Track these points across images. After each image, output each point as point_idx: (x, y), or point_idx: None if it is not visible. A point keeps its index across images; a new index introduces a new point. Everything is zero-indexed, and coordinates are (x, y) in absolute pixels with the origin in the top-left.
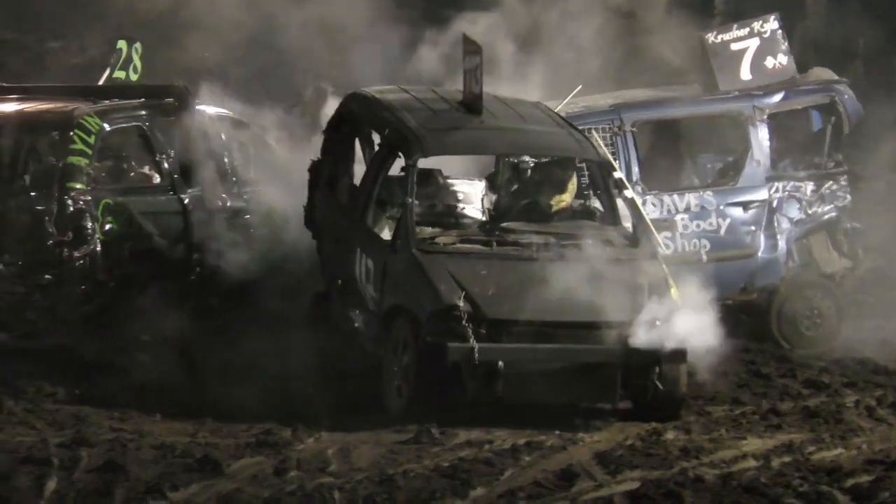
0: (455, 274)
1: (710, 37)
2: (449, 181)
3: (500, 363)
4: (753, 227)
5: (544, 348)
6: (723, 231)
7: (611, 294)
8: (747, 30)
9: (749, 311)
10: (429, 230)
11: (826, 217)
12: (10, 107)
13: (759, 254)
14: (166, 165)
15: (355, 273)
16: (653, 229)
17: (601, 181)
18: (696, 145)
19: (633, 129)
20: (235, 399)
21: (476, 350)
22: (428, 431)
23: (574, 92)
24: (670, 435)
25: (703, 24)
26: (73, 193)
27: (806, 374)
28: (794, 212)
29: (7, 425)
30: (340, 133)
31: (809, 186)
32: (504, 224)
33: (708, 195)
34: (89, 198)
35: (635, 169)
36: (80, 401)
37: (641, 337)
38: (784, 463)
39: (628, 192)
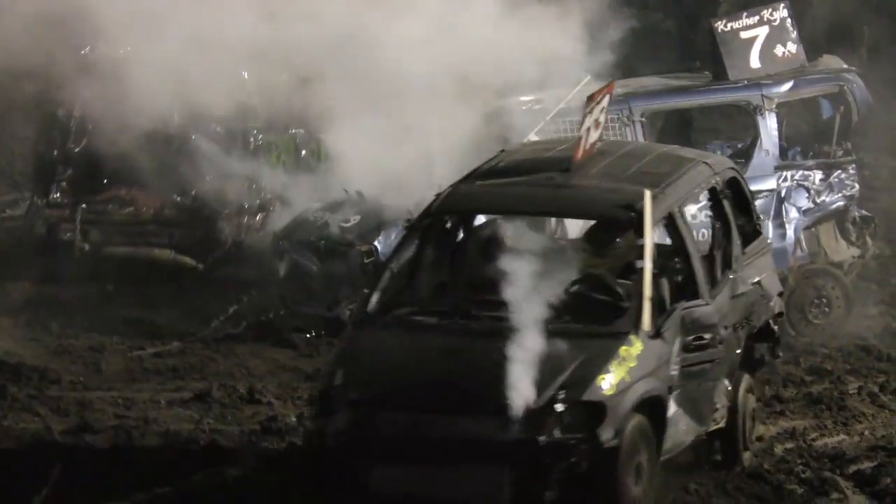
0: (361, 351)
1: (720, 25)
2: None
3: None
4: (762, 217)
5: (407, 437)
6: None
7: (519, 378)
8: (756, 18)
9: None
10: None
11: (834, 206)
12: None
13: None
14: None
15: None
16: (647, 308)
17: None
18: (705, 134)
19: (643, 119)
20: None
21: (326, 436)
22: None
23: (583, 82)
24: None
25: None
26: None
27: (809, 361)
28: (803, 201)
29: (11, 412)
30: None
31: (818, 175)
32: (485, 297)
33: None
34: None
35: None
36: (84, 387)
37: (529, 428)
38: (787, 449)
39: (642, 263)
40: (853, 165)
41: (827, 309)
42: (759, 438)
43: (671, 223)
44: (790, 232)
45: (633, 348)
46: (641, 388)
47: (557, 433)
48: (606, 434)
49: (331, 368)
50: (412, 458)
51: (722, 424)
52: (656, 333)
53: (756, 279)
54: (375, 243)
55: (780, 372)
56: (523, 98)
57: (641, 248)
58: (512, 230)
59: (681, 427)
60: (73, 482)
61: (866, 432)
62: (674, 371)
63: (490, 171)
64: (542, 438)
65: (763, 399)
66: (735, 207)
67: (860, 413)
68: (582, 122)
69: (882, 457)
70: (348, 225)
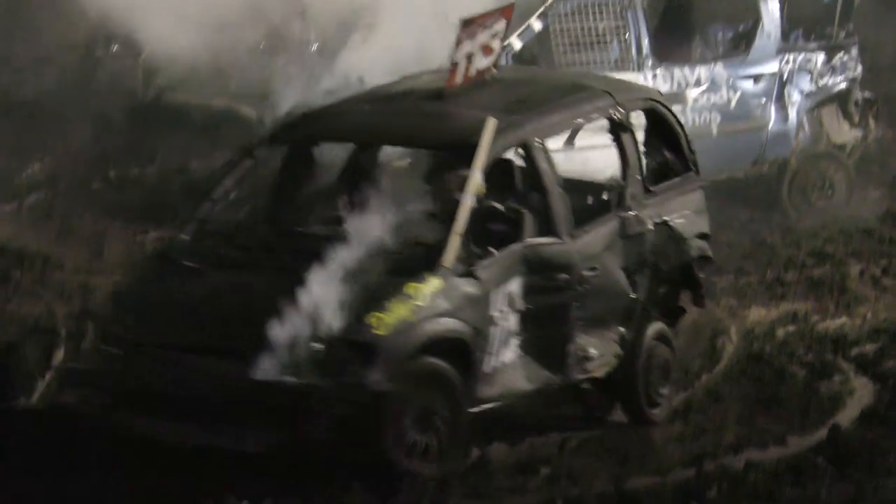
0: (144, 285)
1: None
2: None
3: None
4: (764, 100)
5: (165, 378)
6: (733, 104)
7: (287, 317)
8: None
9: (760, 184)
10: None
11: (837, 88)
12: None
13: (770, 126)
14: None
15: None
16: (454, 244)
17: None
18: (707, 17)
19: (644, 4)
20: None
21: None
22: None
23: None
24: None
25: None
26: None
27: (810, 245)
28: (805, 83)
29: (15, 297)
30: None
31: (820, 57)
32: (298, 231)
33: (719, 68)
34: None
35: (645, 42)
36: (87, 272)
37: (283, 370)
38: (789, 332)
39: (462, 195)
40: (855, 47)
41: (829, 192)
42: (760, 322)
43: (528, 154)
44: (792, 115)
45: (426, 286)
46: (431, 329)
47: (313, 375)
48: (374, 377)
49: (106, 302)
50: (171, 400)
51: (599, 374)
52: (467, 271)
53: (664, 219)
54: None
55: (782, 255)
56: None
57: (465, 180)
58: (355, 161)
59: (517, 373)
60: (76, 366)
61: (868, 315)
62: (498, 312)
63: (359, 98)
64: (291, 380)
65: (765, 282)
66: (662, 141)
67: (862, 296)
68: (457, 47)
69: (884, 339)
70: None
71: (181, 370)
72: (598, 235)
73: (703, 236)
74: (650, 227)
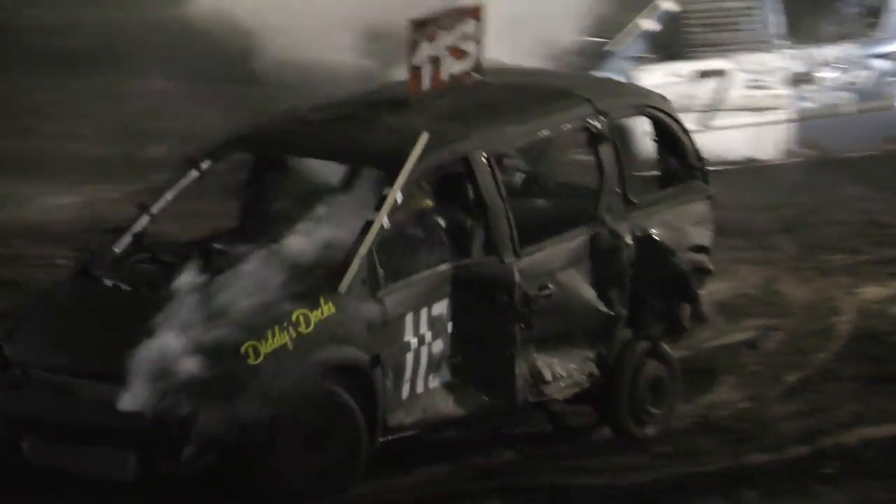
0: (50, 301)
1: None
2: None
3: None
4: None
5: (48, 402)
6: (865, 82)
7: (162, 341)
8: None
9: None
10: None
11: None
12: None
13: None
14: None
15: None
16: (354, 267)
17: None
18: None
19: None
20: None
21: None
22: None
23: None
24: (789, 283)
25: None
26: None
27: None
28: None
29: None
30: None
31: None
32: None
33: (850, 47)
34: None
35: (779, 21)
36: None
37: (143, 396)
38: None
39: (375, 215)
40: None
41: None
42: (875, 300)
43: (469, 169)
44: None
45: (316, 312)
46: (318, 357)
47: (186, 403)
48: (247, 408)
49: (9, 322)
50: (52, 425)
51: (560, 397)
52: (370, 295)
53: (648, 232)
54: None
55: (895, 233)
56: None
57: (382, 202)
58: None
59: (445, 399)
60: None
61: None
62: (415, 337)
63: (323, 105)
64: (161, 409)
65: (879, 260)
66: (665, 148)
67: None
68: (413, 51)
69: None
70: None
71: (61, 395)
72: (557, 252)
73: (699, 249)
74: (628, 241)
